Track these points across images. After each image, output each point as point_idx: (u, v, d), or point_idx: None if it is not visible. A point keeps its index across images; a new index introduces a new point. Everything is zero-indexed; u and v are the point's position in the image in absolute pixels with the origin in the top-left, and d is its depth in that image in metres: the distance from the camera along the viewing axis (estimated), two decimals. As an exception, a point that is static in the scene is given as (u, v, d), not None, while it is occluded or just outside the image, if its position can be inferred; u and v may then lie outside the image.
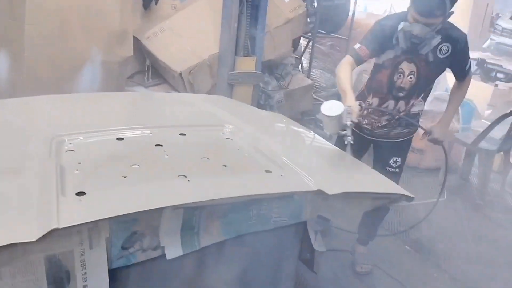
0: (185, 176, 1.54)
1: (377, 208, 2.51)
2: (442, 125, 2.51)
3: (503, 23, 11.75)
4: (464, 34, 2.36)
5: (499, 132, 3.77)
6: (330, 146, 2.16)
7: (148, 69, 3.97)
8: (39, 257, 1.20)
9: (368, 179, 1.82)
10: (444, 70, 2.44)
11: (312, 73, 5.35)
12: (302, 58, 5.58)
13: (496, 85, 6.29)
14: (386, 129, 2.54)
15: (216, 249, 1.57)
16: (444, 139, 2.51)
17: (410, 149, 4.22)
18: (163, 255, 1.43)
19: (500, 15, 12.97)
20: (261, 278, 1.81)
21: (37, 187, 1.33)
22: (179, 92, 3.77)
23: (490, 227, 3.36)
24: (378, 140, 2.57)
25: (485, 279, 2.70)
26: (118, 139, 1.77)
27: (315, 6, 4.84)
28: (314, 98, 4.96)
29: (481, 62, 6.68)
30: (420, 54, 2.28)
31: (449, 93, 2.63)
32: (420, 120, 2.63)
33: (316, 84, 5.57)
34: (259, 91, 4.33)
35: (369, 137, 2.59)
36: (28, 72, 2.83)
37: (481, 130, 3.88)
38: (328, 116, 2.00)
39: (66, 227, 1.17)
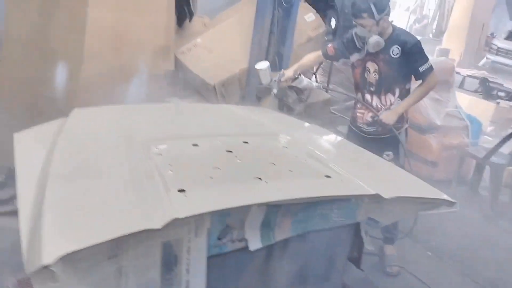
0: (261, 179, 1.75)
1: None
2: (391, 111, 2.84)
3: (498, 42, 12.15)
4: (414, 38, 2.78)
5: (507, 147, 4.02)
6: (370, 154, 2.38)
7: (181, 81, 4.20)
8: (158, 243, 1.41)
9: (415, 185, 2.04)
10: (404, 70, 2.80)
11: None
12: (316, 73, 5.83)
13: (498, 103, 6.57)
14: (374, 127, 2.94)
15: (283, 243, 1.78)
16: (389, 123, 2.83)
17: (423, 161, 4.49)
18: (246, 247, 1.63)
19: (495, 35, 13.39)
20: (316, 271, 2.01)
21: (146, 184, 1.54)
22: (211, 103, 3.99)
23: (502, 235, 3.59)
24: (370, 138, 2.95)
25: (502, 282, 2.91)
26: (194, 145, 1.98)
27: (333, 27, 5.10)
28: (331, 112, 5.18)
29: (483, 81, 6.97)
30: (379, 55, 2.75)
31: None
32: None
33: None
34: (282, 103, 4.56)
35: (365, 135, 2.98)
36: (84, 82, 3.04)
37: (485, 145, 4.13)
38: (257, 69, 3.15)
39: (182, 218, 1.38)
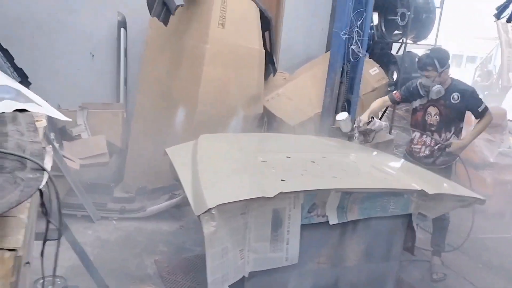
0: (336, 177, 2.41)
1: (442, 221, 3.22)
2: (459, 143, 3.24)
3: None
4: (471, 87, 3.30)
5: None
6: (420, 168, 2.95)
7: (265, 123, 4.99)
8: (270, 209, 2.09)
9: (453, 187, 2.58)
10: (462, 112, 3.25)
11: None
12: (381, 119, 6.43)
13: None
14: (432, 159, 3.34)
15: (354, 224, 2.38)
16: (457, 153, 3.25)
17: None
18: (327, 222, 2.27)
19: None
20: (377, 252, 2.56)
21: (260, 175, 2.26)
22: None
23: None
24: (428, 168, 3.20)
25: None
26: (287, 157, 2.69)
27: (394, 79, 5.74)
28: (394, 153, 5.70)
29: None
30: (440, 100, 3.21)
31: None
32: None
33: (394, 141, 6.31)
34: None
35: (423, 166, 3.24)
36: (198, 122, 3.91)
37: None
38: (337, 120, 3.40)
39: (286, 192, 2.06)
